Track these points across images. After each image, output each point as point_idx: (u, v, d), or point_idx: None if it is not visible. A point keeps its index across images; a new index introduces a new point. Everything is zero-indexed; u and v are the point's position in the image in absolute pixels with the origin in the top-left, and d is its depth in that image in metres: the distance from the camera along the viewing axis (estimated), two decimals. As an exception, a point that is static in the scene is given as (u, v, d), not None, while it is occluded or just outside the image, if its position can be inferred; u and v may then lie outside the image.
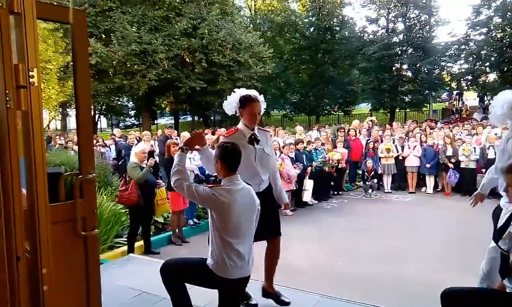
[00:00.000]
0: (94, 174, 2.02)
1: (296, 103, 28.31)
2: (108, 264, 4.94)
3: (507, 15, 20.34)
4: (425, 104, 25.43)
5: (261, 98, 3.43)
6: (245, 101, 3.33)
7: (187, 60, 18.94)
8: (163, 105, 30.20)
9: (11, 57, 1.40)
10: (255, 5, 29.18)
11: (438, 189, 10.25)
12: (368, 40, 25.70)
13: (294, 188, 8.43)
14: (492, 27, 21.24)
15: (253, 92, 3.42)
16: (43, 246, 1.52)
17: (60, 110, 22.40)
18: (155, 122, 31.09)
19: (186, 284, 2.94)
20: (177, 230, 6.65)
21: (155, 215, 6.48)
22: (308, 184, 8.93)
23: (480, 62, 21.99)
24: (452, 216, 7.82)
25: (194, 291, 2.99)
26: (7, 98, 1.37)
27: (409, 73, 25.33)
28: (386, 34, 24.83)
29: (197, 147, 3.09)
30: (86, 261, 1.93)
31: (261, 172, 3.36)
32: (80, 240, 1.91)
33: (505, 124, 3.33)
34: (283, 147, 8.70)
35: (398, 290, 4.51)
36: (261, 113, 3.48)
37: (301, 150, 9.07)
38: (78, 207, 1.90)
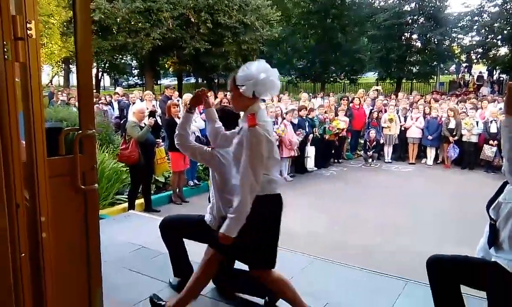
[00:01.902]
0: (93, 130, 2.03)
1: (302, 69, 27.96)
2: (109, 219, 5.07)
3: (524, -13, 19.70)
4: (433, 76, 25.03)
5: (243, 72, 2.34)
6: None
7: (192, 20, 18.54)
8: (166, 66, 29.87)
9: (8, 8, 1.39)
10: (264, -35, 28.26)
11: (438, 161, 10.28)
12: (378, 7, 25.05)
13: (296, 155, 8.49)
14: (507, -1, 20.62)
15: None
16: (42, 196, 1.56)
17: (63, 66, 22.20)
18: (159, 82, 30.87)
19: (184, 240, 3.05)
20: (177, 190, 6.76)
21: (155, 174, 6.57)
22: (311, 151, 9.03)
23: (492, 35, 21.44)
24: (451, 189, 7.86)
25: (191, 248, 3.09)
26: (5, 49, 1.37)
27: (419, 44, 24.76)
28: (397, 1, 24.12)
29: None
30: (85, 214, 1.98)
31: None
32: (80, 193, 1.94)
33: None
34: (286, 114, 8.69)
35: (393, 258, 4.59)
36: (230, 92, 2.53)
37: (303, 117, 9.05)
38: (78, 162, 1.92)
